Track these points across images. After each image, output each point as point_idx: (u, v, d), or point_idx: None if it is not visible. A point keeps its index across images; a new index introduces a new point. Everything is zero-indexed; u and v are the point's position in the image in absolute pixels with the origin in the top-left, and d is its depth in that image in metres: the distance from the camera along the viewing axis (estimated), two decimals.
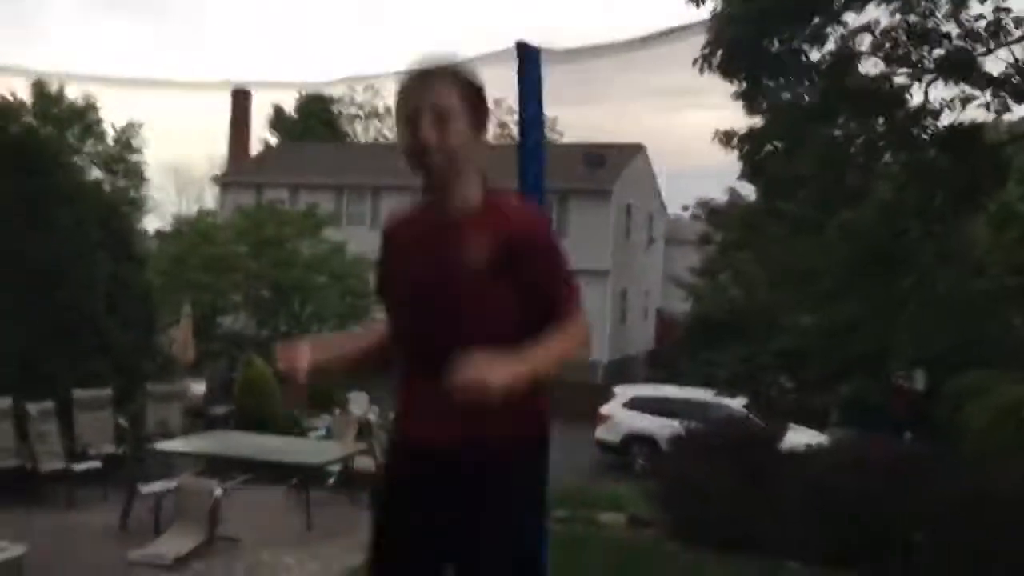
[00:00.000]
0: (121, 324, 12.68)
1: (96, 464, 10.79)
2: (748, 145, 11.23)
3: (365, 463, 10.67)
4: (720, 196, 23.71)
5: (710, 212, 21.92)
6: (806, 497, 8.74)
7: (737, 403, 14.57)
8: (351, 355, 2.53)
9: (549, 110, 2.90)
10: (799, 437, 11.33)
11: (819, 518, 8.52)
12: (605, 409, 17.36)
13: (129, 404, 12.30)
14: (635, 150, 30.30)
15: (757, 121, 11.28)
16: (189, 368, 15.55)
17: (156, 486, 9.37)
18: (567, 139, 34.89)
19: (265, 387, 15.33)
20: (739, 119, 11.31)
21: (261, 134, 42.66)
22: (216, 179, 31.08)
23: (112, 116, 43.86)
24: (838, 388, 14.04)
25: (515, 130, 2.88)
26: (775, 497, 8.93)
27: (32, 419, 10.61)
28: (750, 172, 11.95)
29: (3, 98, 16.34)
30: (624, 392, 18.01)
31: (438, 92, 2.09)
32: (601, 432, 17.21)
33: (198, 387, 16.04)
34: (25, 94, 31.27)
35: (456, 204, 2.15)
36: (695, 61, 10.21)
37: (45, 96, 32.64)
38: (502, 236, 2.08)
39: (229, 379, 17.62)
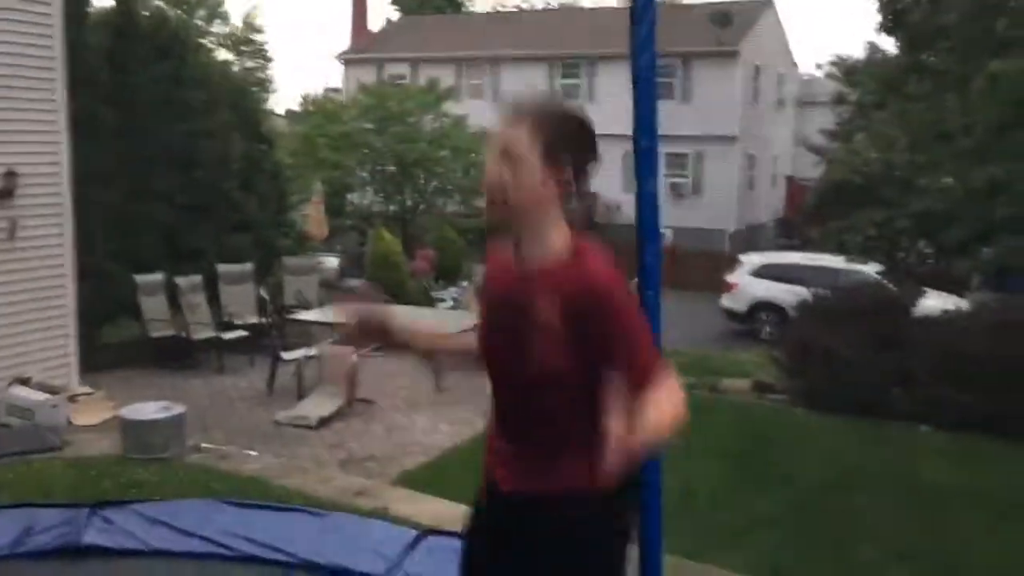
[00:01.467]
0: (257, 202, 13.20)
1: (242, 333, 11.48)
2: None
3: None
4: (857, 53, 22.29)
5: (846, 70, 20.62)
6: (939, 361, 8.52)
7: (870, 270, 14.08)
8: (437, 339, 2.50)
9: None
10: (936, 303, 10.93)
11: (952, 382, 8.31)
12: (731, 277, 17.12)
13: (268, 277, 12.93)
14: (763, 6, 28.68)
15: None
16: (322, 243, 16.12)
17: (297, 353, 9.94)
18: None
19: (394, 259, 15.81)
20: None
21: (382, 10, 42.52)
22: (339, 56, 31.30)
23: None
24: (981, 253, 13.34)
25: None
26: (906, 362, 8.75)
27: (183, 292, 11.31)
28: (890, 23, 11.17)
29: None
30: (751, 260, 17.67)
31: (513, 133, 1.98)
32: (727, 300, 17.03)
33: (331, 261, 16.66)
34: None
35: (534, 253, 2.03)
36: None
37: None
38: (575, 294, 1.94)
39: (360, 252, 18.22)
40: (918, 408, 8.53)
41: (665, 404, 1.82)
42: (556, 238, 2.01)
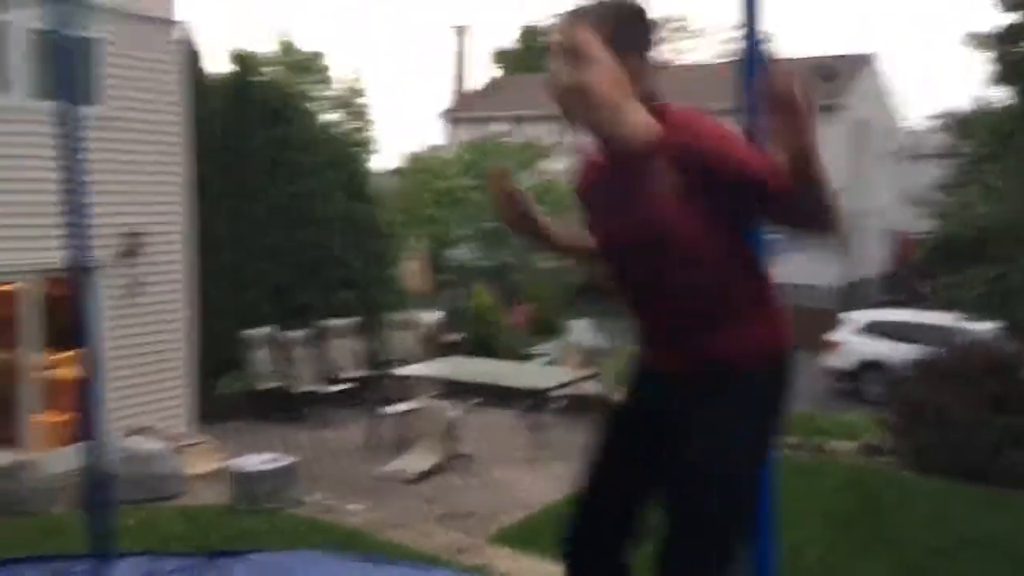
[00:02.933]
0: (361, 259, 13.57)
1: (346, 386, 11.75)
2: (1004, 44, 10.21)
3: (591, 388, 10.92)
4: (964, 106, 21.73)
5: (959, 121, 20.08)
6: None
7: (984, 328, 13.52)
8: (569, 236, 2.48)
9: (771, 23, 2.71)
10: None
11: None
12: (837, 335, 16.66)
13: (371, 332, 13.23)
14: (868, 60, 28.26)
15: (1016, 17, 10.22)
16: (424, 297, 16.40)
17: (398, 407, 10.11)
18: (795, 53, 33.05)
19: (492, 316, 15.97)
20: (987, 17, 10.29)
21: (486, 69, 43.56)
22: (442, 114, 32.10)
23: (340, 61, 46.26)
24: None
25: (737, 46, 2.70)
26: (1021, 425, 8.34)
27: (289, 346, 11.67)
28: (1005, 74, 10.87)
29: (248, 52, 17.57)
30: (857, 317, 17.17)
31: (577, 32, 1.93)
32: (832, 359, 16.56)
33: (430, 316, 16.93)
34: (264, 46, 33.61)
35: (625, 137, 1.95)
36: None
37: (282, 45, 34.89)
38: (682, 153, 1.92)
39: (459, 308, 18.45)
40: None
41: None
42: (642, 118, 1.94)
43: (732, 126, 2.14)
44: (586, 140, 2.11)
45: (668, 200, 1.95)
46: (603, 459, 2.30)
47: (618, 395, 2.35)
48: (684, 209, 1.95)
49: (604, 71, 1.87)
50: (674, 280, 2.05)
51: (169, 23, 9.21)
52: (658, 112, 1.98)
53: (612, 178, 2.10)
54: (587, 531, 2.28)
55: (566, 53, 1.94)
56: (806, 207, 1.88)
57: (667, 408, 2.15)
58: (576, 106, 1.97)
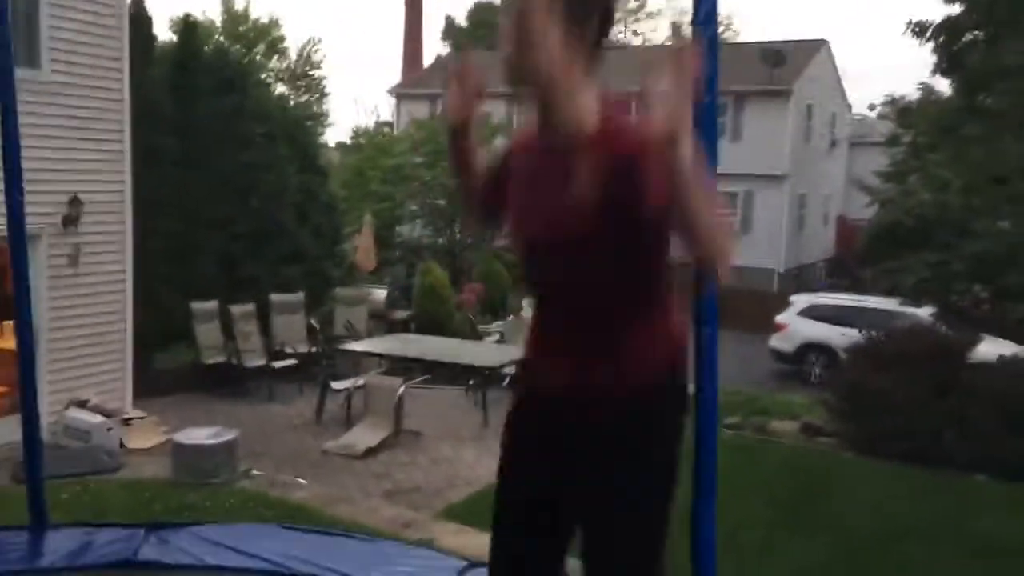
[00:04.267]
0: (311, 233, 13.43)
1: (292, 362, 11.65)
2: (944, 35, 10.41)
3: None
4: (911, 94, 22.13)
5: (900, 111, 20.44)
6: (996, 408, 8.34)
7: (923, 312, 13.85)
8: (476, 162, 2.25)
9: (724, 6, 2.66)
10: (994, 349, 10.71)
11: (1010, 430, 8.13)
12: (781, 318, 16.95)
13: (319, 307, 13.12)
14: (817, 46, 28.59)
15: (955, 9, 10.41)
16: (371, 274, 16.30)
17: (345, 383, 10.06)
18: (743, 38, 33.41)
19: (442, 292, 15.93)
20: (933, 8, 10.48)
21: (434, 46, 43.23)
22: (391, 91, 31.82)
23: (294, 33, 45.54)
24: None
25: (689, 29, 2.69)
26: (961, 408, 8.57)
27: (235, 320, 11.52)
28: (946, 65, 11.08)
29: (198, 19, 17.19)
30: (801, 300, 17.50)
31: (522, 5, 1.81)
32: (776, 341, 16.85)
33: (379, 292, 16.84)
34: (215, 14, 32.97)
35: (561, 128, 1.85)
36: None
37: (233, 15, 34.24)
38: (612, 164, 1.78)
39: (408, 285, 18.38)
40: (974, 456, 8.34)
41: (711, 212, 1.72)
42: (586, 112, 1.83)
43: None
44: (530, 120, 2.01)
45: (586, 199, 1.82)
46: (505, 507, 2.22)
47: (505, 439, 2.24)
48: (599, 211, 1.82)
49: (552, 50, 1.77)
50: (582, 281, 1.93)
51: None
52: (603, 103, 1.87)
53: (539, 163, 1.99)
54: None
55: (515, 29, 1.85)
56: (689, 237, 1.74)
57: (555, 453, 2.04)
58: (522, 85, 1.89)
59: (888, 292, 15.01)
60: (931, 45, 10.66)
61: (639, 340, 1.96)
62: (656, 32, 42.06)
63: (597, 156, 1.80)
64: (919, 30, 10.43)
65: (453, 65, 2.15)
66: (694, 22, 2.69)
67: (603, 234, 1.85)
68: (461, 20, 41.90)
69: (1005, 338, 12.84)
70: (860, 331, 10.69)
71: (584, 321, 1.98)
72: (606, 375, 1.95)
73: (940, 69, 11.37)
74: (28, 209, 3.72)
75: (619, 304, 1.95)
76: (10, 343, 3.95)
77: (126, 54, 9.10)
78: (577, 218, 1.84)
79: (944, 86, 13.98)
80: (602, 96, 1.90)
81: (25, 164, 3.61)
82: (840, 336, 13.81)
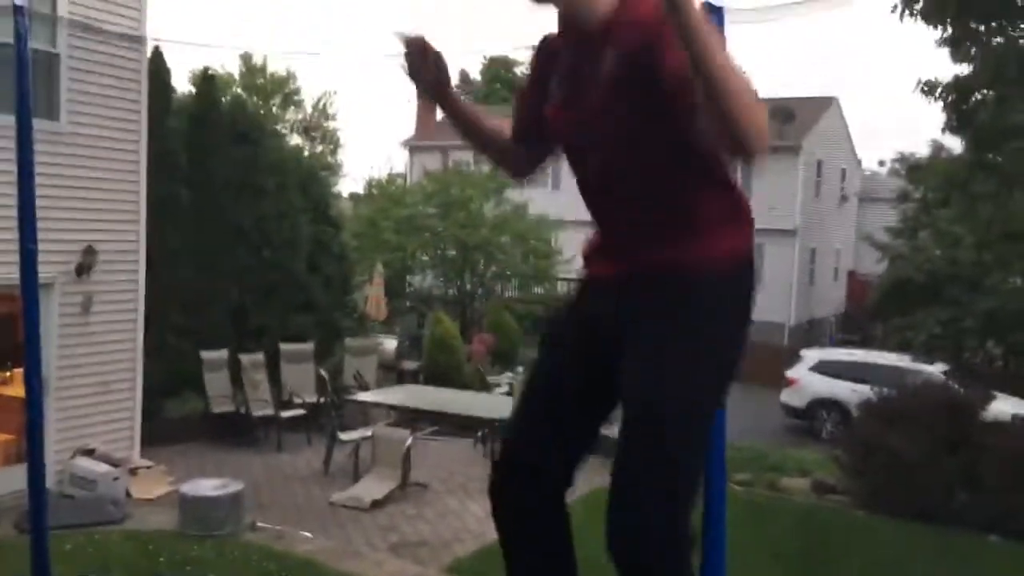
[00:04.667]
0: (322, 283, 13.48)
1: (301, 411, 11.61)
2: (954, 94, 10.49)
3: None
4: (921, 151, 22.30)
5: (910, 167, 20.55)
6: (1009, 468, 8.24)
7: (935, 369, 13.77)
8: (480, 120, 2.24)
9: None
10: (1006, 407, 10.62)
11: (1022, 491, 8.01)
12: (792, 373, 16.85)
13: (328, 357, 13.12)
14: (826, 103, 28.85)
15: (964, 69, 10.52)
16: (381, 324, 16.33)
17: (354, 434, 10.01)
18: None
19: (451, 343, 15.93)
20: (943, 68, 10.59)
21: None
22: (404, 143, 32.17)
23: (309, 85, 46.22)
24: None
25: None
26: (974, 467, 8.47)
27: (245, 369, 11.52)
28: (956, 123, 11.15)
29: (215, 72, 17.51)
30: (812, 355, 17.40)
31: None
32: (786, 396, 16.72)
33: (389, 343, 16.85)
34: (233, 66, 33.54)
35: (583, 16, 1.86)
36: (894, 8, 9.63)
37: (251, 68, 34.84)
38: (635, 38, 1.77)
39: (418, 335, 18.39)
40: (986, 516, 8.22)
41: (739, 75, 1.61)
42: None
43: None
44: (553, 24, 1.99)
45: (617, 77, 1.80)
46: (541, 380, 2.08)
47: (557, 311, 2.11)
48: (633, 89, 1.79)
49: None
50: (637, 166, 1.88)
51: (138, 40, 9.14)
52: None
53: (569, 61, 1.95)
54: (521, 460, 2.04)
55: None
56: (718, 112, 1.62)
57: (617, 318, 1.92)
58: None
59: (899, 348, 14.96)
60: (941, 104, 10.74)
61: (707, 213, 1.88)
62: None
63: (619, 34, 1.80)
64: (928, 89, 10.51)
65: (410, 38, 2.10)
66: None
67: (645, 113, 1.80)
68: (475, 74, 42.50)
69: (1018, 396, 12.73)
70: (872, 387, 10.62)
71: (646, 206, 1.90)
72: (679, 250, 1.87)
73: (950, 127, 11.43)
74: (42, 258, 3.76)
75: (679, 184, 1.88)
76: (19, 391, 3.96)
77: (144, 106, 9.24)
78: (615, 99, 1.81)
79: (954, 144, 14.06)
80: None
81: (40, 213, 3.65)
82: (851, 392, 13.72)
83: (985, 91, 10.48)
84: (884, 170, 31.96)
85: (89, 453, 8.48)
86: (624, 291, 1.93)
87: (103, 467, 8.23)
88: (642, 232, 1.92)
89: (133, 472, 8.53)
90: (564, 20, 1.95)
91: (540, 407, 2.05)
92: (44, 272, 4.65)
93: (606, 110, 1.85)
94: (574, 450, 2.03)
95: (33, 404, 3.63)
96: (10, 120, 3.54)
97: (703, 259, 1.86)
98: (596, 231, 2.06)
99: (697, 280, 1.86)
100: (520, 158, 2.22)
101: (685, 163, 1.87)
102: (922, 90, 10.58)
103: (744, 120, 1.63)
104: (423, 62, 2.12)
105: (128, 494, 8.16)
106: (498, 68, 41.14)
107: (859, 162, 32.96)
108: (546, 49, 2.07)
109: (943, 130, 11.98)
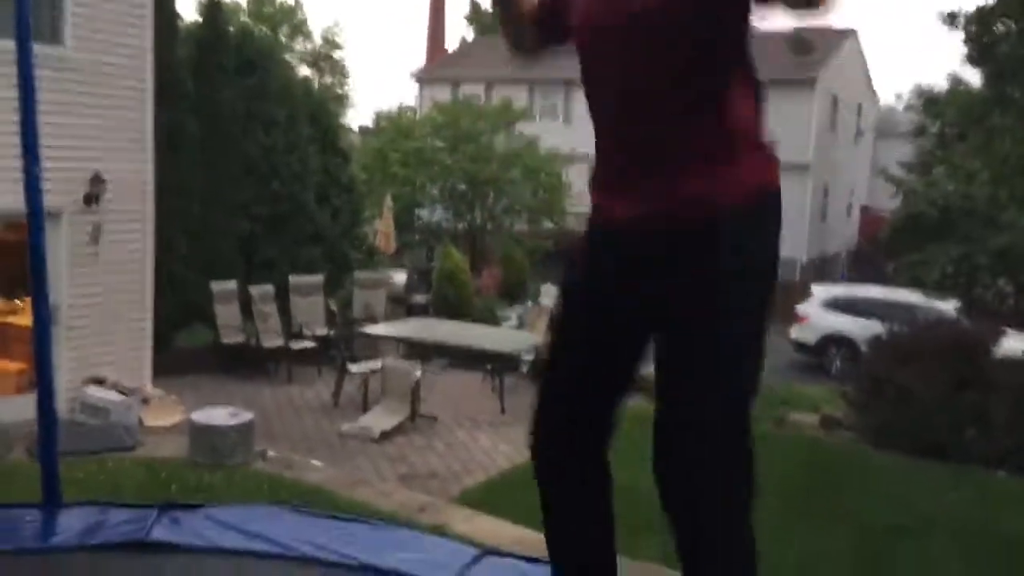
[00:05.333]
0: (330, 215, 13.42)
1: (310, 343, 11.66)
2: (976, 25, 10.25)
3: None
4: (939, 84, 21.87)
5: (927, 101, 20.18)
6: (1019, 404, 8.23)
7: (947, 306, 13.69)
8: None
9: None
10: (1017, 344, 10.57)
11: None
12: (802, 309, 16.81)
13: (338, 290, 13.13)
14: (844, 35, 28.26)
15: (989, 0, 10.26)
16: (390, 257, 16.32)
17: (363, 366, 10.06)
18: (767, 25, 32.98)
19: (461, 277, 15.91)
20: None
21: (459, 30, 43.10)
22: (414, 75, 31.75)
23: (317, 14, 45.53)
24: None
25: None
26: (984, 404, 8.47)
27: (255, 301, 11.54)
28: (977, 55, 10.91)
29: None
30: (823, 291, 17.33)
31: None
32: (796, 332, 16.71)
33: (399, 276, 16.85)
34: None
35: None
36: None
37: None
38: None
39: (427, 269, 18.38)
40: (995, 452, 8.24)
41: None
42: None
43: None
44: None
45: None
46: (569, 341, 1.97)
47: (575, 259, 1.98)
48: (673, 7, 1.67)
49: None
50: (658, 85, 1.73)
51: None
52: None
53: None
54: (558, 425, 1.99)
55: None
56: None
57: (641, 281, 1.81)
58: None
59: (911, 284, 14.86)
60: (962, 35, 10.50)
61: (742, 131, 1.77)
62: None
63: None
64: (950, 19, 10.26)
65: None
66: None
67: (669, 7, 1.68)
68: (486, 3, 41.75)
69: None
70: (883, 324, 10.57)
71: (679, 119, 1.75)
72: (705, 184, 1.74)
73: (970, 59, 11.19)
74: (49, 186, 3.69)
75: (700, 100, 1.74)
76: (29, 320, 3.94)
77: (150, 33, 9.09)
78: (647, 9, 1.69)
79: (973, 77, 13.78)
80: None
81: (46, 141, 3.59)
82: (861, 328, 13.69)
83: (1008, 21, 10.22)
84: (901, 104, 31.48)
85: (100, 382, 8.54)
86: (645, 249, 1.79)
87: (116, 395, 8.30)
88: (669, 155, 1.77)
89: (145, 401, 8.60)
90: None
91: (572, 365, 1.97)
92: (51, 201, 4.60)
93: (641, 16, 1.70)
94: (610, 405, 1.98)
95: (42, 330, 3.62)
96: (12, 44, 3.45)
97: (734, 194, 1.74)
98: (606, 165, 1.89)
99: (726, 228, 1.73)
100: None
101: (725, 66, 1.75)
102: (943, 20, 10.34)
103: None
104: None
105: (140, 422, 8.24)
106: None
107: (876, 96, 32.44)
108: None
109: (963, 62, 11.74)
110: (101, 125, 8.66)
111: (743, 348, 1.80)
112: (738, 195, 1.76)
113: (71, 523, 3.29)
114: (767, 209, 1.83)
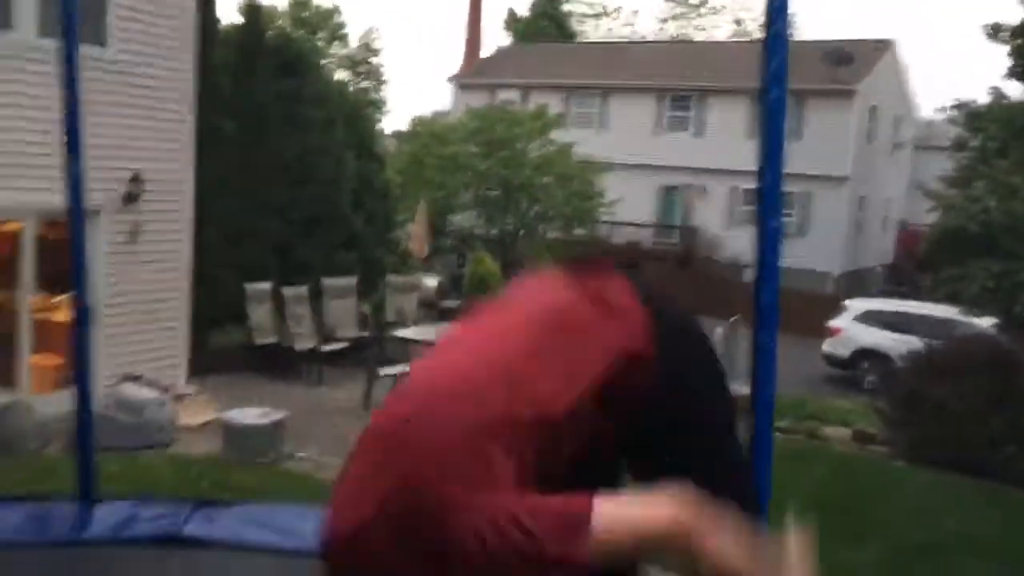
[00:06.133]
0: (365, 219, 13.51)
1: (342, 345, 11.73)
2: (1021, 39, 10.11)
3: None
4: (981, 97, 21.58)
5: (969, 114, 19.89)
6: None
7: (985, 323, 13.48)
8: None
9: (791, 5, 2.51)
10: None
11: None
12: (835, 322, 16.63)
13: (371, 293, 13.20)
14: (884, 47, 27.97)
15: None
16: (423, 262, 16.39)
17: (394, 369, 10.09)
18: (805, 36, 32.80)
19: (492, 283, 15.94)
20: (1011, 10, 10.18)
21: (495, 36, 43.27)
22: (450, 79, 31.89)
23: (355, 19, 45.89)
24: None
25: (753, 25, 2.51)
26: (1020, 421, 8.32)
27: (288, 302, 11.64)
28: (1021, 69, 10.76)
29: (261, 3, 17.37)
30: (857, 305, 17.14)
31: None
32: (829, 345, 16.54)
33: (430, 280, 16.91)
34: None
35: None
36: None
37: (297, 0, 34.69)
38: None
39: (459, 274, 18.43)
40: None
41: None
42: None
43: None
44: None
45: None
46: None
47: None
48: None
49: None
50: None
51: None
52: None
53: None
54: None
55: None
56: None
57: None
58: None
59: (948, 300, 14.62)
60: (1006, 48, 10.36)
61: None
62: (719, 28, 41.52)
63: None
64: (994, 32, 10.13)
65: None
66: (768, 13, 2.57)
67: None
68: (523, 11, 41.80)
69: None
70: (918, 338, 10.43)
71: None
72: None
73: (1014, 72, 11.04)
74: (91, 185, 3.75)
75: None
76: (68, 316, 4.00)
77: (191, 35, 9.22)
78: None
79: (1015, 91, 13.58)
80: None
81: (89, 140, 3.64)
82: (895, 343, 13.51)
83: None
84: (941, 117, 31.02)
85: (136, 379, 8.65)
86: None
87: (150, 393, 8.40)
88: None
89: (179, 399, 8.69)
90: None
91: None
92: (91, 200, 4.67)
93: None
94: None
95: (80, 326, 3.67)
96: (56, 44, 3.52)
97: None
98: None
99: None
100: None
101: None
102: (987, 33, 10.21)
103: None
104: None
105: (174, 420, 8.33)
106: (545, 5, 40.43)
107: (915, 109, 32.05)
108: None
109: (1007, 76, 11.58)
110: (142, 126, 8.79)
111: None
112: None
113: (106, 517, 3.33)
114: None
